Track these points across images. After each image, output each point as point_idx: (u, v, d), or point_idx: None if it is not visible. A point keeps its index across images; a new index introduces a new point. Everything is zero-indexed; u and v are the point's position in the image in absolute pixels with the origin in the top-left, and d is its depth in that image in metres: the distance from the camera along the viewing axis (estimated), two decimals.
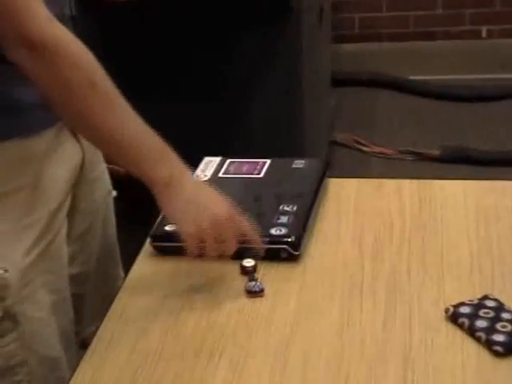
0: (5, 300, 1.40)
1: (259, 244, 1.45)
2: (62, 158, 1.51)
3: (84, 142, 1.53)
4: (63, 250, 1.54)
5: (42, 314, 1.47)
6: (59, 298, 1.52)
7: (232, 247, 1.44)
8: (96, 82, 1.36)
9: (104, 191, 1.71)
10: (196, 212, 1.43)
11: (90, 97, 1.36)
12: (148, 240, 1.58)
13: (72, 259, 1.60)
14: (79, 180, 1.58)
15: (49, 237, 1.47)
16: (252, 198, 1.66)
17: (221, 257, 1.44)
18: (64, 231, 1.54)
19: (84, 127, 1.42)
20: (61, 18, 1.39)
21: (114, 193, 1.74)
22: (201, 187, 1.49)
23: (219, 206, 1.45)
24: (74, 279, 1.59)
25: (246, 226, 1.45)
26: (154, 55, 2.69)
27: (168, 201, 1.43)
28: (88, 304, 1.62)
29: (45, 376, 1.48)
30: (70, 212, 1.57)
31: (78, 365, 1.30)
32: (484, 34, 4.34)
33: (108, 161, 1.72)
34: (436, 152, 3.66)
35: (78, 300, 1.60)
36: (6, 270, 1.39)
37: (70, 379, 1.27)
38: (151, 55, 2.68)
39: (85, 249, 1.64)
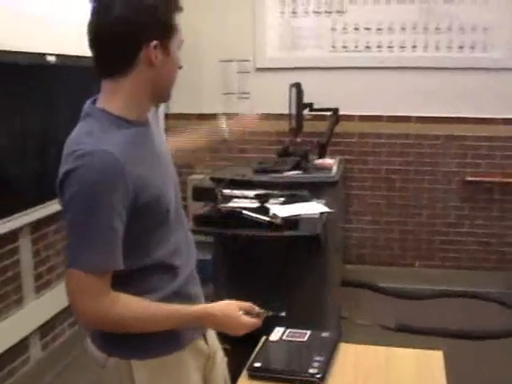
0: None
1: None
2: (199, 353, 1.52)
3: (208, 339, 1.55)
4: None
5: None
6: None
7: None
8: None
9: (222, 369, 1.66)
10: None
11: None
12: (245, 370, 1.62)
13: None
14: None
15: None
16: (301, 351, 1.71)
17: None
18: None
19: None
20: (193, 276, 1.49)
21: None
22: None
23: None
24: None
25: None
26: None
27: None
28: None
29: None
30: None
31: None
32: (417, 264, 4.49)
33: None
34: (393, 326, 3.79)
35: None
36: None
37: None
38: None
39: None
